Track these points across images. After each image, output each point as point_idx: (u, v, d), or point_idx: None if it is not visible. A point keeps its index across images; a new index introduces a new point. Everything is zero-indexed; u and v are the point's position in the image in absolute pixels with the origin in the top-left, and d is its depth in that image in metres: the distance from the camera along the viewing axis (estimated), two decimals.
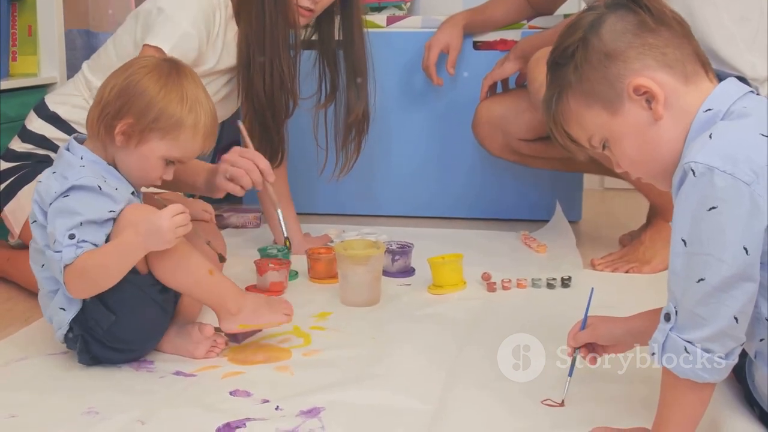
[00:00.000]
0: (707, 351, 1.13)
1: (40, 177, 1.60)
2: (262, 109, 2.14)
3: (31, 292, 2.00)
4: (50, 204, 1.52)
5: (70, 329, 1.57)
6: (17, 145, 2.09)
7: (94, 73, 2.11)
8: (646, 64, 1.20)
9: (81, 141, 1.62)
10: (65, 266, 1.48)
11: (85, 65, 2.16)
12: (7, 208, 2.04)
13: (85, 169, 1.55)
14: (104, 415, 1.41)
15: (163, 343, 1.66)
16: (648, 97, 1.20)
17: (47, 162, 2.04)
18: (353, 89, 2.28)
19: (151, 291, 1.59)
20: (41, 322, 1.83)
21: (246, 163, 1.89)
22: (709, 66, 1.24)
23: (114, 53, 2.09)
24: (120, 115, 1.56)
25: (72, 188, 1.52)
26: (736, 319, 1.12)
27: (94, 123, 1.59)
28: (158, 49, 1.94)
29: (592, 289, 1.50)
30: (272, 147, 2.22)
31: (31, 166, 2.04)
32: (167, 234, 1.48)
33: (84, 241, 1.49)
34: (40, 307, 1.89)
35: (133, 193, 1.61)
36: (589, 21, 1.24)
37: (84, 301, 1.55)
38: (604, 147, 1.27)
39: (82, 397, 1.48)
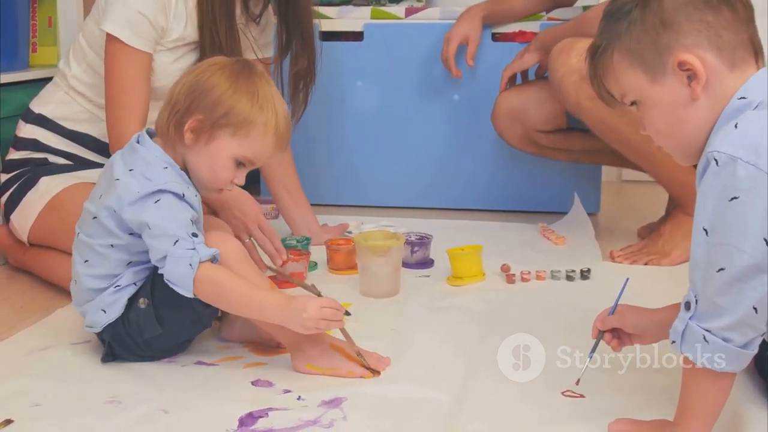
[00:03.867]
0: (726, 340, 1.14)
1: (115, 174, 1.56)
2: None
3: (51, 283, 2.02)
4: (132, 200, 1.50)
5: (102, 331, 1.58)
6: (13, 155, 2.11)
7: (68, 63, 2.13)
8: (698, 42, 1.19)
9: (151, 135, 1.60)
10: (200, 262, 1.46)
11: (61, 60, 2.18)
12: (13, 217, 2.05)
13: (169, 173, 1.54)
14: (127, 405, 1.42)
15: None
16: (690, 75, 1.19)
17: (46, 164, 2.06)
18: (298, 39, 2.25)
19: (207, 320, 1.59)
20: (63, 311, 1.85)
21: (261, 239, 2.04)
22: (761, 54, 1.23)
23: (84, 41, 2.10)
24: (189, 111, 1.54)
25: (160, 191, 1.50)
26: (755, 309, 1.12)
27: (164, 122, 1.57)
28: (115, 39, 1.95)
29: (627, 279, 1.50)
30: None
31: (31, 171, 2.05)
32: (309, 322, 1.45)
33: (202, 242, 1.50)
34: (60, 297, 1.93)
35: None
36: None
37: (133, 306, 1.55)
38: (633, 104, 1.27)
39: (104, 387, 1.49)
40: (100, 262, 1.56)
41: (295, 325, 1.47)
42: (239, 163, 1.59)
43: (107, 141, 2.04)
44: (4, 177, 2.09)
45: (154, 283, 1.53)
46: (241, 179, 1.61)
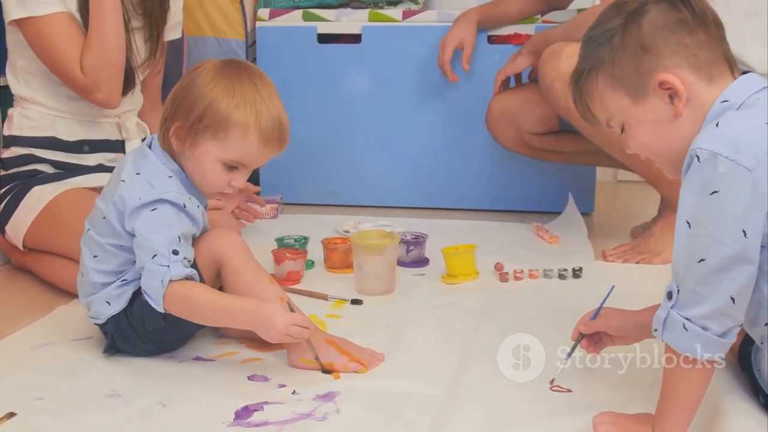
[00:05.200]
0: (704, 328, 1.18)
1: (123, 175, 1.58)
2: None
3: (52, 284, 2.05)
4: (132, 208, 1.52)
5: (105, 322, 1.61)
6: (2, 173, 2.13)
7: (10, 81, 2.14)
8: (677, 62, 1.24)
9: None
10: (170, 281, 1.49)
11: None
12: (7, 227, 2.06)
13: (172, 182, 1.55)
14: (126, 398, 1.46)
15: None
16: (671, 94, 1.24)
17: (37, 174, 2.09)
18: None
19: None
20: (64, 308, 1.89)
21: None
22: (736, 68, 1.28)
23: (10, 54, 2.12)
24: (173, 117, 1.55)
25: (159, 201, 1.52)
26: (732, 299, 1.17)
27: (159, 132, 1.59)
28: (25, 20, 1.96)
29: (612, 287, 1.53)
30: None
31: (21, 184, 2.07)
32: (275, 334, 1.47)
33: (185, 258, 1.51)
34: (61, 295, 1.96)
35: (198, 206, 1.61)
36: (632, 8, 1.27)
37: (137, 299, 1.58)
38: (622, 130, 1.32)
39: (105, 381, 1.53)
40: (108, 258, 1.59)
41: (262, 333, 1.49)
42: (231, 167, 1.57)
43: (73, 139, 2.11)
44: None
45: None
46: (240, 182, 1.60)
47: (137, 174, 1.56)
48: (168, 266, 1.49)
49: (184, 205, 1.55)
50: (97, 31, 2.00)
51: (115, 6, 2.00)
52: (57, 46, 1.99)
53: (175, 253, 1.50)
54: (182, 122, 1.54)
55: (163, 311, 1.51)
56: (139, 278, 1.57)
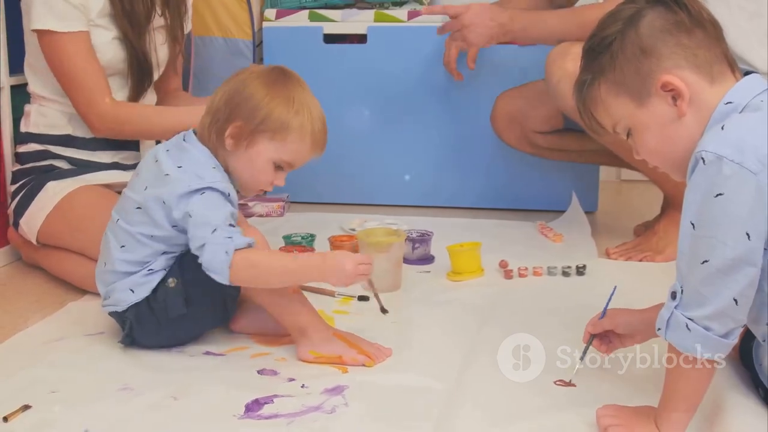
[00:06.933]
0: (707, 329, 1.19)
1: (165, 170, 1.61)
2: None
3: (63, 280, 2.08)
4: (182, 193, 1.56)
5: (125, 310, 1.63)
6: (18, 167, 2.16)
7: (28, 79, 2.17)
8: (677, 63, 1.25)
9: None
10: (236, 249, 1.52)
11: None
12: (22, 221, 2.09)
13: (218, 173, 1.60)
14: (138, 392, 1.48)
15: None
16: (674, 95, 1.26)
17: (53, 169, 2.11)
18: None
19: (233, 306, 1.66)
20: (76, 304, 1.92)
21: None
22: (736, 67, 1.29)
23: (29, 54, 2.14)
24: (230, 119, 1.60)
25: (208, 188, 1.56)
26: (735, 300, 1.18)
27: (206, 130, 1.63)
28: (46, 32, 1.98)
29: (615, 287, 1.55)
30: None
31: (37, 179, 2.09)
32: (345, 278, 1.54)
33: (239, 231, 1.56)
34: (73, 291, 1.98)
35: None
36: (629, 14, 1.29)
37: (160, 286, 1.61)
38: (628, 135, 1.33)
39: (117, 375, 1.55)
40: (136, 248, 1.62)
41: (334, 281, 1.56)
42: (278, 167, 1.65)
43: (88, 137, 2.12)
44: (13, 187, 2.15)
45: (182, 265, 1.60)
46: (281, 181, 1.68)
47: (179, 167, 1.60)
48: (231, 237, 1.53)
49: (229, 194, 1.59)
50: (159, 127, 2.06)
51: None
52: (77, 66, 2.01)
53: (233, 226, 1.55)
54: (243, 123, 1.60)
55: (229, 283, 1.53)
56: (166, 268, 1.62)
